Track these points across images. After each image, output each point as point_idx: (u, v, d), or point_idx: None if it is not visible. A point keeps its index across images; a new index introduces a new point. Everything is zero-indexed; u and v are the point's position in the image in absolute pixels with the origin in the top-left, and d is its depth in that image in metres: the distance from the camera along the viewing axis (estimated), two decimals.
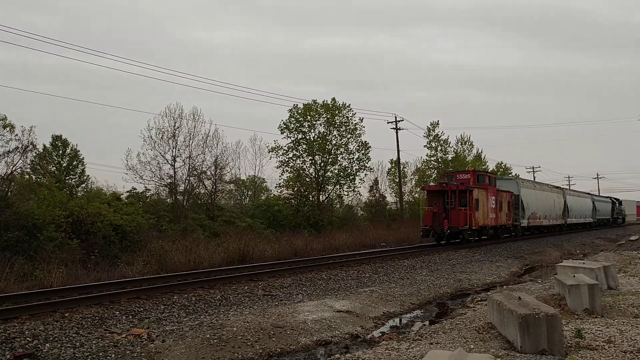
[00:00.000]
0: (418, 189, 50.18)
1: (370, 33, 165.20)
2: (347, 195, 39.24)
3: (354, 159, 38.05)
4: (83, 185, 32.79)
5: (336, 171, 37.67)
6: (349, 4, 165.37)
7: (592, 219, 50.35)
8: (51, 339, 8.94)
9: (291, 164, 36.55)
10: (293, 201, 34.40)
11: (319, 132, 36.90)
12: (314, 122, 36.82)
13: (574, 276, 11.06)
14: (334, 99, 37.23)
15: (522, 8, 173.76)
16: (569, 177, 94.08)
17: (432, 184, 32.02)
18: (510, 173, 63.74)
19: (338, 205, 39.54)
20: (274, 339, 9.55)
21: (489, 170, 58.59)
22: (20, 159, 20.76)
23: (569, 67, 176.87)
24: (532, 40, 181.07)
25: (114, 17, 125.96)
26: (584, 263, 14.40)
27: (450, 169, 35.62)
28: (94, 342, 8.96)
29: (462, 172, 30.25)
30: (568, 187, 57.54)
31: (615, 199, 64.19)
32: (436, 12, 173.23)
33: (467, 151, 54.50)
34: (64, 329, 9.50)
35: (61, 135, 33.07)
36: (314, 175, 36.93)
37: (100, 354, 8.42)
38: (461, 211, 26.27)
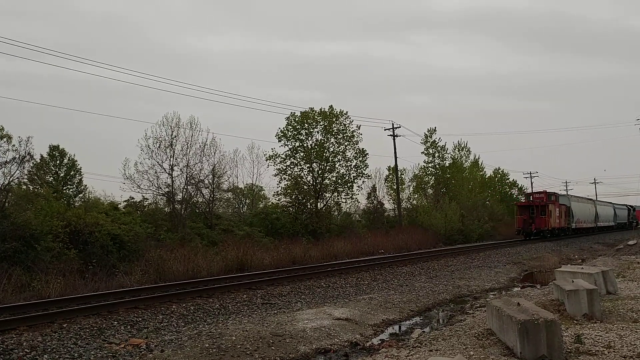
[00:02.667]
0: (416, 196, 50.31)
1: (366, 39, 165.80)
2: (345, 202, 39.17)
3: (352, 166, 38.01)
4: (81, 195, 32.68)
5: (334, 178, 37.59)
6: (344, 10, 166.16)
7: (613, 223, 60.08)
8: (49, 350, 8.91)
9: (289, 172, 36.52)
10: (291, 209, 34.33)
11: (317, 140, 36.87)
12: (312, 130, 36.82)
13: (573, 281, 11.08)
14: (331, 106, 37.24)
15: (519, 14, 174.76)
16: (566, 182, 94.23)
17: (522, 200, 45.77)
18: (508, 179, 68.56)
19: (336, 213, 39.43)
20: (273, 347, 9.52)
21: (487, 176, 61.04)
22: (17, 169, 20.69)
23: (565, 73, 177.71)
24: (529, 46, 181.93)
25: (111, 26, 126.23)
26: (582, 268, 14.42)
27: (528, 192, 46.90)
28: (92, 352, 8.93)
29: (537, 193, 44.23)
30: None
31: (631, 206, 70.06)
32: (432, 18, 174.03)
33: (464, 157, 54.64)
34: (62, 339, 9.47)
35: (58, 145, 33.03)
36: (311, 182, 36.87)
37: None
38: (542, 218, 40.08)
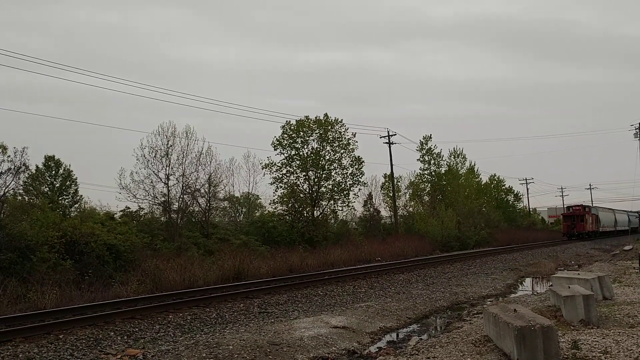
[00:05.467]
0: (412, 203, 50.33)
1: (362, 48, 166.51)
2: (342, 210, 39.16)
3: (348, 174, 38.05)
4: (76, 205, 32.52)
5: (330, 186, 37.60)
6: (340, 19, 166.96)
7: (628, 227, 71.40)
8: None
9: (285, 180, 36.51)
10: (287, 217, 34.29)
11: (312, 148, 36.92)
12: (307, 138, 36.86)
13: (569, 287, 11.09)
14: (326, 114, 37.30)
15: (513, 21, 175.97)
16: (562, 189, 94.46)
17: (565, 211, 60.14)
18: (504, 185, 69.65)
19: (333, 221, 39.38)
20: (270, 356, 9.50)
21: (483, 183, 62.55)
22: (12, 180, 20.62)
23: (559, 79, 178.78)
24: (523, 53, 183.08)
25: (107, 36, 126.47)
26: (578, 274, 14.46)
27: (569, 205, 59.92)
28: None
29: (576, 206, 58.07)
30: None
31: None
32: (427, 27, 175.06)
33: (460, 164, 54.73)
34: (58, 351, 9.43)
35: (54, 156, 32.84)
36: (308, 190, 36.88)
37: None
38: (581, 224, 54.89)
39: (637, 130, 54.58)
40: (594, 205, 65.22)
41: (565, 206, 76.16)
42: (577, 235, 54.01)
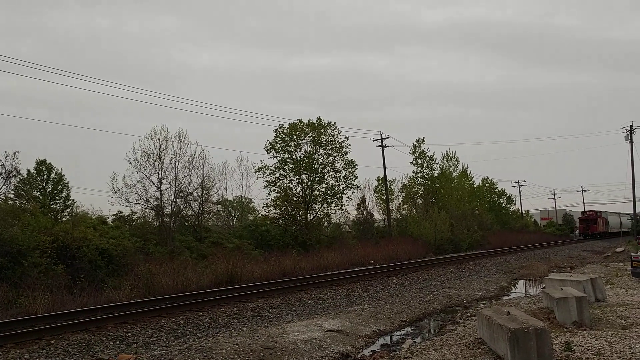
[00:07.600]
0: (405, 206, 50.39)
1: (355, 52, 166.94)
2: (335, 213, 39.17)
3: (341, 177, 38.04)
4: (68, 209, 32.32)
5: (323, 190, 37.60)
6: (333, 24, 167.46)
7: (630, 228, 77.79)
8: None
9: (278, 184, 36.47)
10: (281, 221, 34.22)
11: (305, 151, 36.89)
12: (300, 142, 36.84)
13: (562, 289, 11.13)
14: (319, 117, 37.30)
15: (504, 25, 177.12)
16: (554, 191, 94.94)
17: (581, 215, 73.23)
18: (497, 188, 70.54)
19: (326, 224, 39.34)
20: None
21: (476, 185, 62.82)
22: (4, 184, 20.56)
23: (550, 82, 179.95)
24: (514, 57, 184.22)
25: (99, 41, 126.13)
26: (571, 276, 14.51)
27: (583, 210, 70.82)
28: None
29: (589, 211, 72.11)
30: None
31: None
32: (418, 31, 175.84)
33: (452, 167, 54.83)
34: (49, 356, 9.36)
35: (45, 160, 32.73)
36: (301, 194, 36.85)
37: None
38: (594, 226, 67.65)
39: (628, 133, 55.00)
40: (604, 210, 76.02)
41: (556, 208, 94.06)
42: (590, 235, 67.14)
